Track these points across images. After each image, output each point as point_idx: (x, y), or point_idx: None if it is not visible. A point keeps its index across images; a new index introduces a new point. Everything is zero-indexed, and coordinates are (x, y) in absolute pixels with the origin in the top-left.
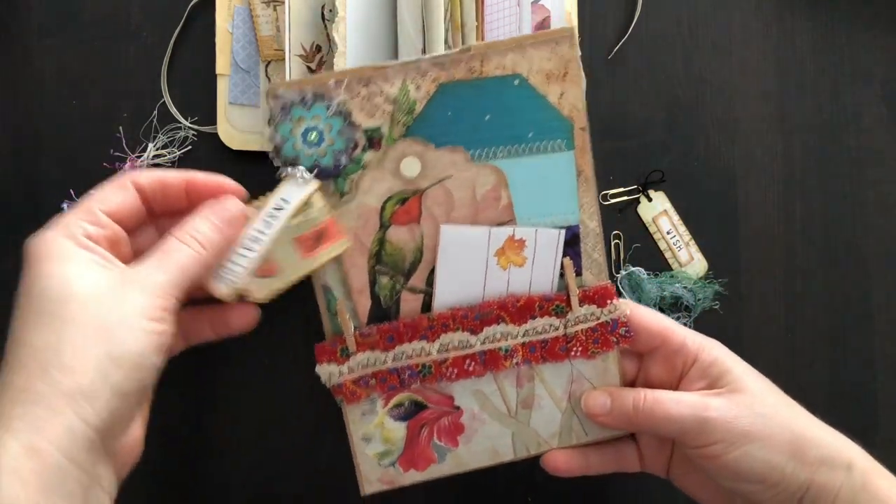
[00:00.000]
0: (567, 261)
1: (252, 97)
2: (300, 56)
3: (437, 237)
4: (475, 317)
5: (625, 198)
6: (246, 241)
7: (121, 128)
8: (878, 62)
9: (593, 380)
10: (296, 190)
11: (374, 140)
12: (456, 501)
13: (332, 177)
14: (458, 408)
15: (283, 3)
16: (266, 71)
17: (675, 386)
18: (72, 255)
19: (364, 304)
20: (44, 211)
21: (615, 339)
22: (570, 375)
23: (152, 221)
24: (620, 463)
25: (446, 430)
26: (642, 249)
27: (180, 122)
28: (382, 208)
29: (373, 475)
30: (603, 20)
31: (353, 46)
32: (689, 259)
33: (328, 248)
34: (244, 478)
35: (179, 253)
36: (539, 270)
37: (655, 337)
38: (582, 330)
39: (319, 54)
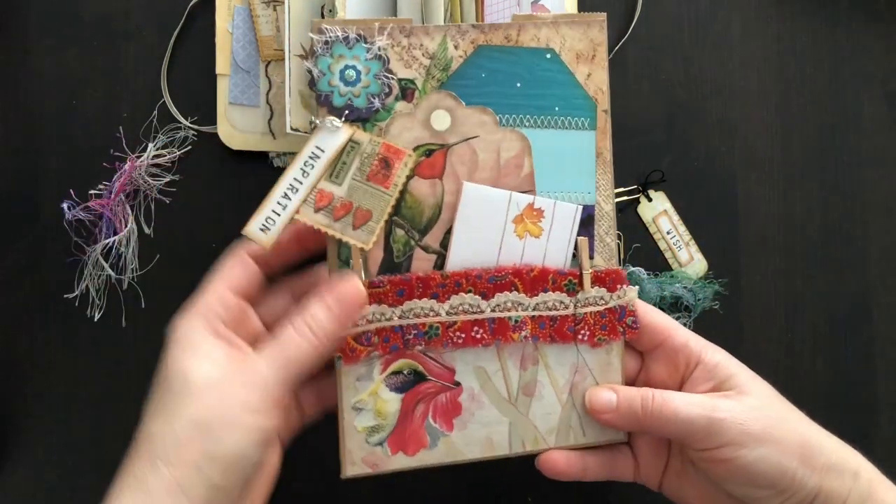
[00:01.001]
0: (582, 239)
1: (252, 97)
2: (300, 56)
3: (457, 196)
4: (489, 279)
5: (625, 198)
6: (284, 191)
7: (121, 128)
8: (878, 62)
9: (596, 372)
10: (329, 138)
11: (407, 91)
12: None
13: (361, 120)
14: (458, 384)
15: (283, 3)
16: (266, 71)
17: (678, 387)
18: (199, 342)
19: (377, 254)
20: (44, 211)
21: (622, 329)
22: (575, 364)
23: (274, 281)
24: (614, 471)
25: (443, 409)
26: (642, 249)
27: (180, 122)
28: None
29: (357, 454)
30: None
31: None
32: (689, 259)
33: (399, 167)
34: None
35: (295, 346)
36: (554, 244)
37: (658, 334)
38: (591, 312)
39: None
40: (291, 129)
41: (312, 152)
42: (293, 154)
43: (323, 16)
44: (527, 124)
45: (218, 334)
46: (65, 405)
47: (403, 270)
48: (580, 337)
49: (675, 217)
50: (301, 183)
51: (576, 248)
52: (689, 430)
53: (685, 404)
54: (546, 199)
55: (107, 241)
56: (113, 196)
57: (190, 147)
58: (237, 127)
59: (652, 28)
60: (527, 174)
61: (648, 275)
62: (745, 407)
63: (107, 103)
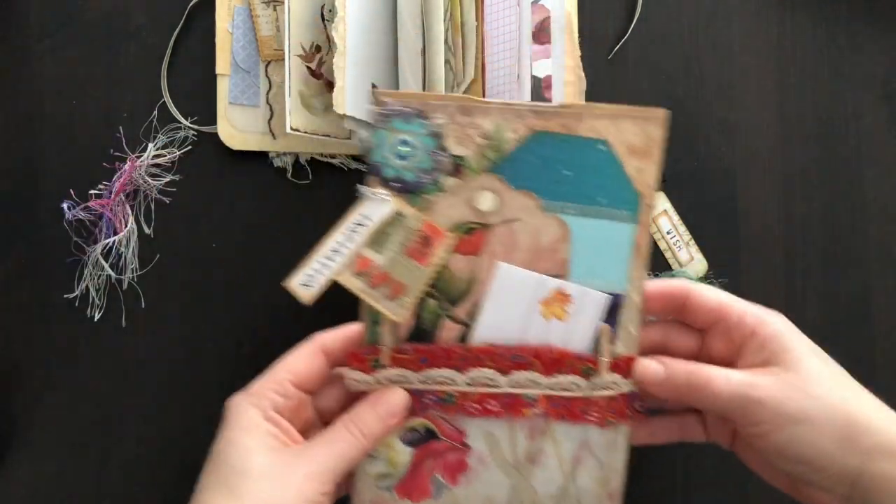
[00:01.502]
0: (605, 327)
1: (252, 97)
2: (300, 56)
3: (491, 273)
4: (510, 357)
5: None
6: (328, 252)
7: (121, 128)
8: (878, 62)
9: (601, 450)
10: (375, 208)
11: (458, 167)
12: None
13: (409, 192)
14: (467, 445)
15: (283, 3)
16: (266, 71)
17: (735, 361)
18: (256, 427)
19: (407, 320)
20: (43, 211)
21: (630, 413)
22: (581, 442)
23: (337, 378)
24: (685, 433)
25: (450, 465)
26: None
27: (180, 122)
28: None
29: (367, 495)
30: (603, 20)
31: (352, 46)
32: (689, 259)
33: (438, 247)
34: None
35: (345, 443)
36: (578, 329)
37: (711, 313)
38: (603, 396)
39: (319, 54)
40: (291, 129)
41: (358, 219)
42: (293, 154)
43: (323, 16)
44: (570, 211)
45: (275, 422)
46: (65, 405)
47: (430, 337)
48: (590, 417)
49: (675, 217)
50: (345, 246)
51: (598, 334)
52: (727, 407)
53: (725, 382)
54: (575, 285)
55: (107, 241)
56: (113, 196)
57: (190, 147)
58: (237, 127)
59: (652, 27)
60: (561, 260)
61: (648, 275)
62: (785, 385)
63: (107, 103)
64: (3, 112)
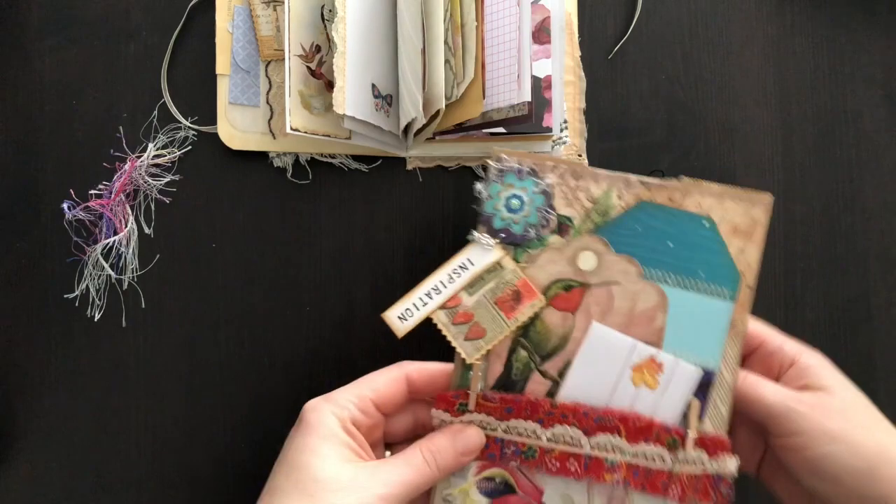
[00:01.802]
0: (695, 401)
1: (252, 97)
2: (300, 56)
3: (585, 333)
4: (595, 418)
5: None
6: (429, 289)
7: (121, 128)
8: (878, 62)
9: None
10: (480, 254)
11: (564, 227)
12: None
13: (514, 244)
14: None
15: (283, 3)
16: (266, 71)
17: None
18: (335, 436)
19: (497, 368)
20: (44, 212)
21: (714, 496)
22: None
23: (411, 407)
24: (777, 448)
25: None
26: None
27: (180, 122)
28: (547, 288)
29: None
30: (603, 20)
31: (352, 46)
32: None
33: (526, 306)
34: None
35: (419, 469)
36: (667, 400)
37: (753, 339)
38: (687, 473)
39: (319, 54)
40: (291, 129)
41: (463, 263)
42: (293, 154)
43: (323, 16)
44: (669, 282)
45: (352, 434)
46: (65, 405)
47: (517, 388)
48: (671, 493)
49: None
50: (445, 286)
51: (687, 408)
52: (769, 413)
53: (773, 390)
54: (669, 356)
55: (107, 241)
56: (113, 196)
57: (190, 147)
58: (237, 127)
59: (652, 28)
60: (657, 328)
61: None
62: (825, 405)
63: (107, 103)
64: (3, 112)
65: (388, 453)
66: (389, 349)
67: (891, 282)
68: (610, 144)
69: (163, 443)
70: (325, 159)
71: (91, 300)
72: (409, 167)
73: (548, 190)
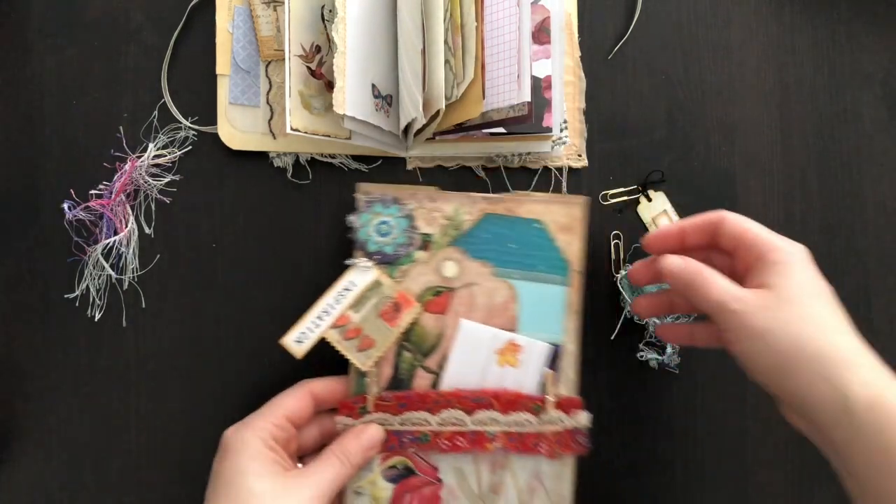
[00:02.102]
0: (550, 372)
1: (252, 97)
2: (300, 56)
3: (455, 329)
4: (473, 399)
5: (625, 198)
6: (319, 313)
7: (121, 128)
8: (877, 62)
9: (549, 480)
10: (361, 276)
11: (427, 243)
12: None
13: (388, 263)
14: (440, 480)
15: (283, 3)
16: (266, 71)
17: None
18: (261, 454)
19: (387, 371)
20: (44, 211)
21: (574, 446)
22: (534, 472)
23: (317, 419)
24: (721, 341)
25: (426, 499)
26: (642, 249)
27: (181, 122)
28: (421, 296)
29: None
30: (603, 20)
31: (352, 46)
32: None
33: (406, 314)
34: None
35: (336, 469)
36: (527, 374)
37: (735, 237)
38: (551, 431)
39: (319, 54)
40: (291, 129)
41: (346, 285)
42: (293, 154)
43: (323, 16)
44: (516, 276)
45: (273, 450)
46: (65, 405)
47: (406, 385)
48: (541, 449)
49: (675, 217)
50: (334, 308)
51: (544, 378)
52: (711, 310)
53: (717, 290)
54: (524, 338)
55: (107, 241)
56: (113, 196)
57: (190, 147)
58: (237, 127)
59: (652, 28)
60: (511, 316)
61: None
62: (760, 303)
63: (107, 103)
64: (3, 112)
65: (299, 465)
66: None
67: (891, 282)
68: (610, 144)
69: (163, 442)
70: (325, 159)
71: (91, 300)
72: (409, 167)
73: (410, 213)
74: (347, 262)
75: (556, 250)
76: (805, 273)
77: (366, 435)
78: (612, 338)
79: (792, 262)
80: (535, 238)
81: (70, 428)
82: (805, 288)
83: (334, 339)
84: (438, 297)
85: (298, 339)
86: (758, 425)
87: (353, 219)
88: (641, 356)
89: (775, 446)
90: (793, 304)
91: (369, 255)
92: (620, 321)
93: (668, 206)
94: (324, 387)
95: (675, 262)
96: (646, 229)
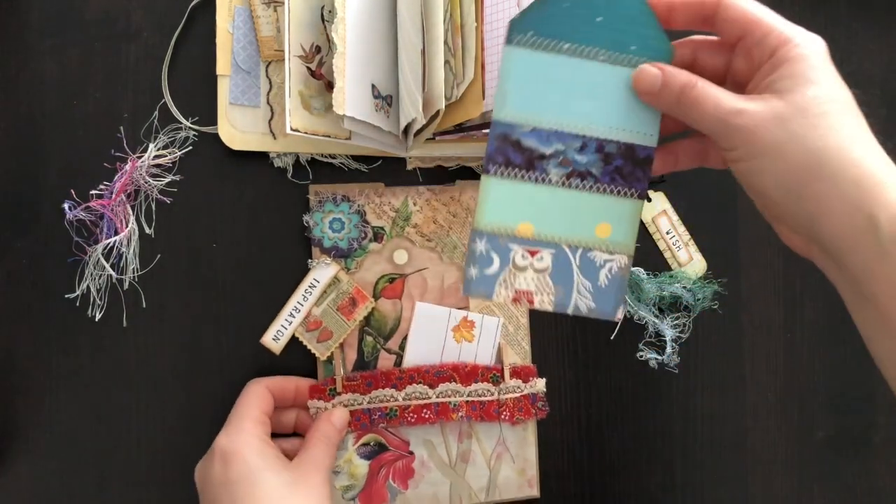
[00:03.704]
0: (504, 343)
1: (252, 98)
2: (300, 57)
3: (412, 311)
4: (434, 373)
5: None
6: (290, 311)
7: (121, 128)
8: (877, 63)
9: (514, 446)
10: (322, 272)
11: (378, 235)
12: None
13: (343, 256)
14: (411, 453)
15: (283, 3)
16: (266, 71)
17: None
18: (263, 451)
19: (351, 356)
20: (44, 211)
21: (534, 410)
22: (498, 438)
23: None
24: (706, 158)
25: (400, 472)
26: (642, 249)
27: (181, 123)
28: (376, 284)
29: None
30: None
31: (352, 47)
32: (688, 259)
33: (361, 308)
34: None
35: (325, 451)
36: (483, 347)
37: (739, 24)
38: (510, 398)
39: (319, 55)
40: (291, 129)
41: (311, 283)
42: (293, 154)
43: (323, 17)
44: (601, 58)
45: (270, 445)
46: (65, 405)
47: (371, 367)
48: (502, 417)
49: (675, 217)
50: (302, 305)
51: (499, 349)
52: (710, 129)
53: (713, 105)
54: (476, 314)
55: (108, 241)
56: (114, 196)
57: (191, 147)
58: (238, 127)
59: None
60: (462, 297)
61: (648, 275)
62: (770, 114)
63: (107, 103)
64: (3, 112)
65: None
66: None
67: None
68: None
69: (163, 442)
70: (325, 159)
71: (92, 300)
72: (409, 167)
73: (360, 209)
74: (309, 262)
75: (656, 28)
76: (826, 74)
77: (335, 416)
78: (612, 337)
79: (810, 60)
80: (631, 11)
81: (70, 428)
82: (827, 93)
83: (298, 331)
84: (393, 284)
85: (275, 337)
86: (758, 425)
87: (307, 219)
88: (641, 356)
89: (775, 446)
90: (811, 114)
91: (326, 252)
92: (620, 321)
93: (668, 205)
94: (275, 380)
95: (650, 76)
96: (645, 229)
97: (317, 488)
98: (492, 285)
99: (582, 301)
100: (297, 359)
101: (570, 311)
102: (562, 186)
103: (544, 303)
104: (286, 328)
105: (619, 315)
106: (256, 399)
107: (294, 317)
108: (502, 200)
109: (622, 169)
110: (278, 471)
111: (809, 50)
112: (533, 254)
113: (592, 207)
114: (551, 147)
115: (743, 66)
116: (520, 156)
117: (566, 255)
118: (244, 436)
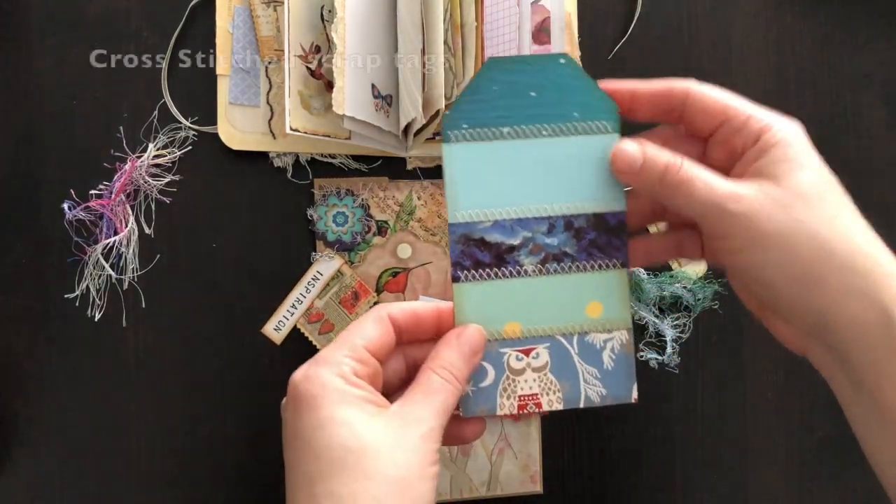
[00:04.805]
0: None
1: (252, 97)
2: (300, 56)
3: None
4: None
5: None
6: (292, 302)
7: (121, 128)
8: (877, 63)
9: (516, 442)
10: (326, 265)
11: (382, 229)
12: None
13: (347, 250)
14: None
15: (283, 3)
16: (266, 71)
17: (729, 169)
18: (345, 395)
19: None
20: (44, 211)
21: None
22: (500, 434)
23: (400, 350)
24: (681, 251)
25: None
26: None
27: (181, 122)
28: (379, 277)
29: None
30: (603, 20)
31: (352, 47)
32: (688, 259)
33: (363, 302)
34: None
35: (443, 392)
36: None
37: (714, 115)
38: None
39: (319, 55)
40: (291, 129)
41: (314, 275)
42: (293, 154)
43: (322, 17)
44: (546, 133)
45: (359, 386)
46: (65, 405)
47: None
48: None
49: None
50: (305, 297)
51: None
52: (700, 214)
53: (704, 187)
54: None
55: (107, 241)
56: (113, 196)
57: (190, 147)
58: (237, 127)
59: (652, 28)
60: None
61: (648, 275)
62: (768, 201)
63: (107, 103)
64: (3, 112)
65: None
66: None
67: None
68: None
69: (163, 442)
70: (325, 159)
71: (91, 300)
72: (409, 167)
73: (364, 203)
74: (313, 256)
75: (595, 89)
76: (813, 158)
77: (464, 337)
78: None
79: (797, 144)
80: (564, 79)
81: (70, 428)
82: (819, 177)
83: (299, 322)
84: (396, 278)
85: (276, 328)
86: (758, 425)
87: (311, 212)
88: (642, 356)
89: (775, 446)
90: (811, 201)
91: (330, 245)
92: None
93: None
94: (406, 311)
95: (629, 154)
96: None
97: (416, 452)
98: (493, 398)
99: (592, 391)
100: (297, 351)
101: (581, 404)
102: (539, 275)
103: (553, 403)
104: (288, 319)
105: (635, 394)
106: (364, 327)
107: (296, 308)
108: (481, 305)
109: (597, 241)
110: (364, 425)
111: (793, 134)
112: (527, 353)
113: (577, 289)
114: (518, 237)
115: (721, 155)
116: (487, 254)
117: (562, 346)
118: (323, 372)
